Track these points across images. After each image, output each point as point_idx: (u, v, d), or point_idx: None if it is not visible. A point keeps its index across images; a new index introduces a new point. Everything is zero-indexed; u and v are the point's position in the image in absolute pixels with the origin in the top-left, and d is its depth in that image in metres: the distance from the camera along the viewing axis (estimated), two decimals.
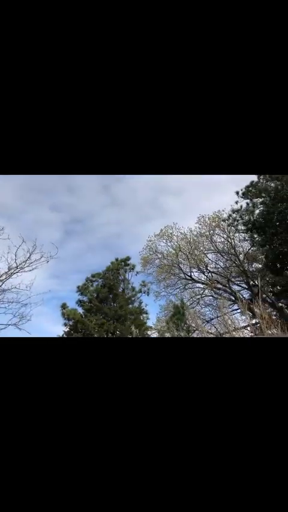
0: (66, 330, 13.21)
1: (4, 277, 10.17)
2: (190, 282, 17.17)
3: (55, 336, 13.23)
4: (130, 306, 14.10)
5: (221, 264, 16.80)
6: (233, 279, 16.32)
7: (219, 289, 16.19)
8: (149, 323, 14.69)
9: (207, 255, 16.77)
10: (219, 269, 16.75)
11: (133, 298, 14.55)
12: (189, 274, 17.00)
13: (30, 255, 10.57)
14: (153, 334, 14.64)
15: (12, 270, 10.32)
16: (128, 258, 15.09)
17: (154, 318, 20.42)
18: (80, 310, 13.70)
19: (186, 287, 17.22)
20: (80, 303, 13.91)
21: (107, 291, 13.99)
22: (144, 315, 14.53)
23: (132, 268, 15.01)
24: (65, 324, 13.31)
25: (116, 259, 15.01)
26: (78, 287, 14.10)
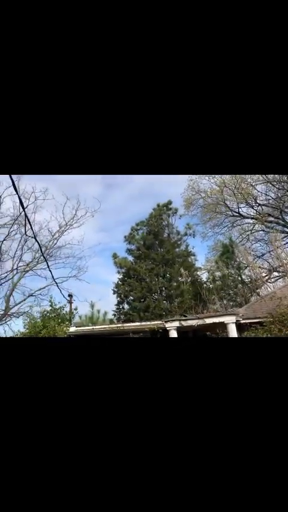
0: (120, 277, 14.25)
1: (57, 235, 11.06)
2: (238, 218, 16.33)
3: (111, 284, 14.44)
4: (177, 249, 14.29)
5: (272, 194, 15.40)
6: (286, 209, 15.00)
7: (270, 222, 15.14)
8: (198, 264, 14.89)
9: (256, 187, 15.42)
10: (270, 200, 15.43)
11: (179, 242, 14.64)
12: (236, 210, 16.10)
13: (76, 212, 11.14)
14: (203, 274, 14.89)
15: (62, 228, 11.13)
16: (169, 202, 14.80)
17: (203, 259, 20.47)
18: (130, 258, 14.43)
19: (235, 224, 16.50)
20: (129, 251, 14.59)
21: (153, 238, 14.26)
22: (192, 257, 14.68)
23: (175, 212, 14.77)
24: (118, 272, 14.32)
25: (158, 205, 14.85)
26: (125, 237, 14.65)
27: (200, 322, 8.44)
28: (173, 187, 23.32)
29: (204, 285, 13.27)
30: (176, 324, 8.88)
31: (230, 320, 7.48)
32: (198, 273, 14.43)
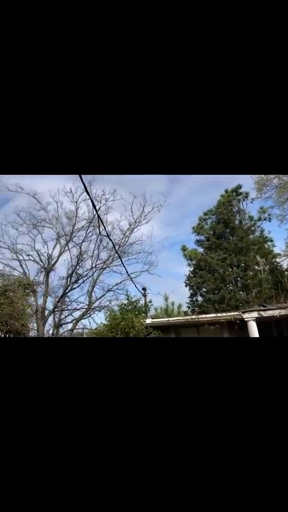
0: (191, 270, 14.14)
1: (128, 232, 11.67)
2: None
3: (183, 276, 14.45)
4: (251, 236, 13.34)
5: None
6: None
7: None
8: (276, 250, 13.59)
9: None
10: None
11: (253, 228, 13.62)
12: None
13: (143, 208, 11.54)
14: (284, 261, 13.52)
15: (132, 226, 11.68)
16: (239, 187, 13.89)
17: (282, 244, 18.58)
18: (200, 249, 14.15)
19: None
20: (198, 242, 14.32)
21: (223, 226, 13.65)
22: (269, 243, 13.49)
23: (246, 197, 13.78)
24: (189, 265, 14.22)
25: (226, 191, 14.12)
26: (193, 228, 14.43)
27: (283, 312, 7.74)
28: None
29: (286, 272, 12.05)
30: (255, 314, 8.35)
31: None
32: (277, 260, 13.19)
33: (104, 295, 11.37)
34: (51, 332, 10.36)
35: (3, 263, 10.17)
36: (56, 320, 10.77)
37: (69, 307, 11.22)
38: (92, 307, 11.15)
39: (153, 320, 10.01)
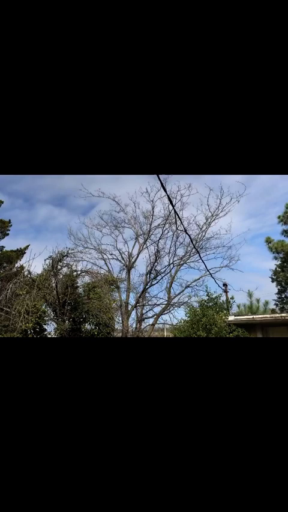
0: (278, 263, 12.83)
1: (205, 227, 11.36)
2: None
3: (268, 271, 13.24)
4: None
5: None
6: None
7: None
8: None
9: None
10: None
11: None
12: None
13: (220, 201, 11.03)
14: None
15: (209, 220, 11.30)
16: None
17: None
18: None
19: None
20: (285, 233, 12.88)
21: None
22: None
23: None
24: (275, 258, 12.93)
25: None
26: (279, 217, 13.05)
27: None
28: None
29: None
30: None
31: None
32: None
33: (182, 291, 11.38)
34: (134, 325, 10.97)
35: (91, 262, 11.28)
36: (138, 314, 11.34)
37: (149, 303, 11.66)
38: (171, 303, 11.31)
39: (236, 317, 9.49)
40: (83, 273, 9.36)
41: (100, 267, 11.52)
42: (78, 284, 9.10)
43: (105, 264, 11.84)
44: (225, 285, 11.13)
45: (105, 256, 11.91)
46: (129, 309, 11.14)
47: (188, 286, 11.38)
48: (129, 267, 11.76)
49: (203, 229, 11.16)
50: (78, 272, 9.21)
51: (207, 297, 9.73)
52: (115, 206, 13.24)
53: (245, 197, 12.13)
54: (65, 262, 8.92)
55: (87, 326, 8.92)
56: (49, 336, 8.39)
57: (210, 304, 9.42)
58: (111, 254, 12.01)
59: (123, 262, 11.94)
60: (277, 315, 9.50)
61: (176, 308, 11.41)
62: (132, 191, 17.01)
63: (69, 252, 9.00)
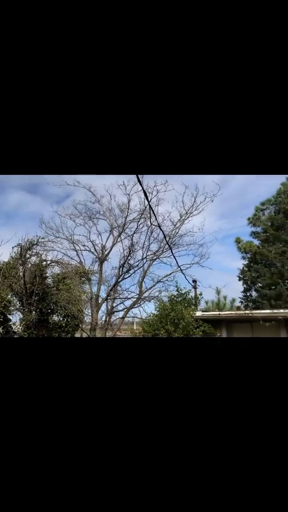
0: (245, 263, 13.42)
1: (178, 224, 11.55)
2: None
3: (236, 270, 13.80)
4: None
5: None
6: None
7: None
8: None
9: None
10: None
11: None
12: None
13: (195, 199, 11.26)
14: None
15: (183, 217, 11.50)
16: None
17: None
18: (256, 242, 13.32)
19: None
20: (254, 234, 13.49)
21: (283, 217, 12.58)
22: None
23: None
24: (243, 258, 13.51)
25: (287, 178, 12.93)
26: (248, 219, 13.62)
27: None
28: None
29: None
30: None
31: None
32: None
33: (153, 286, 11.52)
34: (103, 318, 10.93)
35: (62, 252, 10.99)
36: (109, 307, 11.31)
37: (120, 296, 11.66)
38: (142, 297, 11.40)
39: (203, 313, 9.81)
40: (53, 263, 9.10)
41: (72, 258, 11.28)
42: (48, 274, 8.84)
43: (77, 255, 11.61)
44: (194, 281, 11.44)
45: (77, 247, 11.67)
46: (99, 301, 11.07)
47: (160, 281, 11.54)
48: (102, 259, 11.64)
49: (177, 225, 11.34)
50: (48, 262, 8.94)
51: (177, 293, 9.95)
52: (90, 196, 12.98)
53: (218, 197, 12.50)
54: (34, 251, 8.61)
55: (55, 318, 8.73)
56: (13, 326, 8.09)
57: (179, 299, 9.64)
58: (83, 245, 11.79)
59: (96, 254, 11.79)
60: (241, 312, 9.97)
61: (146, 302, 11.54)
62: (108, 183, 16.75)
63: (40, 240, 8.70)
